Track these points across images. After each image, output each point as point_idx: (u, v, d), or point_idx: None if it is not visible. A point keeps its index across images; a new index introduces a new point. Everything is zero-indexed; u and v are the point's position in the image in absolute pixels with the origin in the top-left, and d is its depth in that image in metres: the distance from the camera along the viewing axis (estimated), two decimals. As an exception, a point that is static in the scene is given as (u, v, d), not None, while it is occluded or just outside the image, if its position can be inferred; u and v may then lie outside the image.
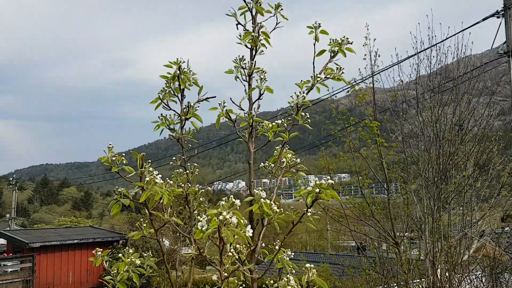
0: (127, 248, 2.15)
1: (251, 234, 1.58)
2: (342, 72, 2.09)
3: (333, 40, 2.10)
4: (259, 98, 2.17)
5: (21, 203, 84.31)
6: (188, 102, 2.28)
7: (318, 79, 2.04)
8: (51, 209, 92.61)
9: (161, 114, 2.29)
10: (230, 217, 1.48)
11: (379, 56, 8.95)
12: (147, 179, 1.78)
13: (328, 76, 2.08)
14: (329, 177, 1.66)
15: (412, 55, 9.25)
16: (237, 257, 1.68)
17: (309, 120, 2.07)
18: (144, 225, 1.99)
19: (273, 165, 2.17)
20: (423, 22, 9.09)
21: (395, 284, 8.01)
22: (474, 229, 8.32)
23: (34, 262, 21.24)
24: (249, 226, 1.59)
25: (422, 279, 7.90)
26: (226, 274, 1.64)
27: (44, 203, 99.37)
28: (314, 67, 2.09)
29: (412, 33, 9.15)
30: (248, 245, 1.71)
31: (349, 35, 2.06)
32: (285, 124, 2.10)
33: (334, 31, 2.16)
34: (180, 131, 2.31)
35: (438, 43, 8.92)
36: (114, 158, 1.85)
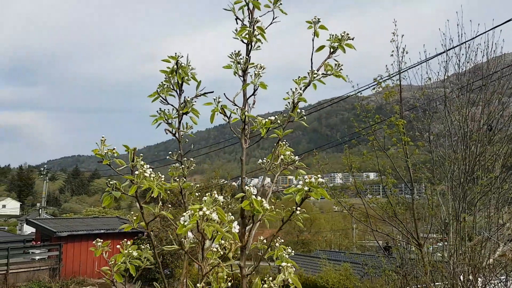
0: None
1: (237, 231, 1.57)
2: (341, 69, 2.05)
3: (332, 35, 2.06)
4: (253, 94, 2.15)
5: (53, 192, 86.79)
6: (185, 97, 2.28)
7: (315, 75, 2.00)
8: (82, 199, 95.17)
9: (160, 108, 2.31)
10: (210, 213, 1.48)
11: (406, 53, 8.73)
12: (137, 172, 1.80)
13: (327, 72, 2.04)
14: (319, 176, 1.63)
15: (441, 53, 9.02)
16: (221, 253, 1.67)
17: (305, 118, 2.04)
18: (135, 218, 2.01)
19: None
20: (453, 19, 8.85)
21: (415, 286, 7.86)
22: (500, 232, 8.08)
23: (61, 250, 21.79)
24: (236, 222, 1.58)
25: (445, 282, 7.72)
26: (207, 269, 1.64)
27: (75, 193, 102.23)
28: (312, 63, 2.06)
29: (441, 29, 8.92)
30: (235, 242, 1.70)
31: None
32: (279, 121, 2.08)
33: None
34: (177, 125, 2.32)
35: (467, 40, 8.66)
36: (106, 151, 1.86)
